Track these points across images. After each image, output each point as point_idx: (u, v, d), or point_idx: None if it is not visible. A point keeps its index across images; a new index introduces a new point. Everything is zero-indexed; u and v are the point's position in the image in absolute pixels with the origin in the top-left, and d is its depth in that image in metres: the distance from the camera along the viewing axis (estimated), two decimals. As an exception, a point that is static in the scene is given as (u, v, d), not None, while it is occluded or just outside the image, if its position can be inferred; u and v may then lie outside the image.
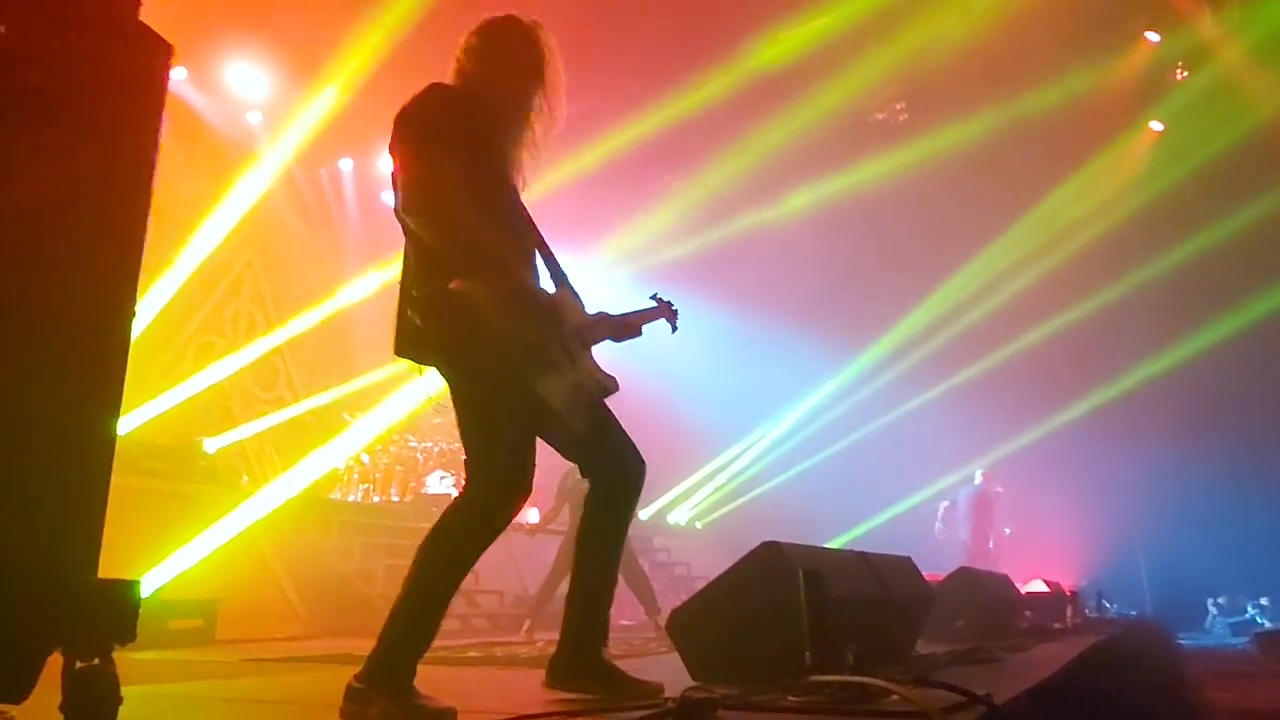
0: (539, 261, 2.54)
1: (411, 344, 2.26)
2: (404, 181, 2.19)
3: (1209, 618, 12.48)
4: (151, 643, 5.07)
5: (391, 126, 2.26)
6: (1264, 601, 11.57)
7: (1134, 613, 11.33)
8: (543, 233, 2.58)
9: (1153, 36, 11.17)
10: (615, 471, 2.51)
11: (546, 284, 2.53)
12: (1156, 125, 12.36)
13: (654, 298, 2.91)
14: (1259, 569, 11.41)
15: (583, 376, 2.38)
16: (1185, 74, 11.70)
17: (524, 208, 2.52)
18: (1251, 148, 11.15)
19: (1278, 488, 10.94)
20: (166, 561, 6.16)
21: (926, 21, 9.92)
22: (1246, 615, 11.63)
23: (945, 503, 12.04)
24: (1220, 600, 12.40)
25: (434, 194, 2.16)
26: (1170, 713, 5.36)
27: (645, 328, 2.81)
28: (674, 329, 2.89)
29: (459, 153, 2.22)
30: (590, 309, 2.60)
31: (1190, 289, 12.11)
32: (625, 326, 2.72)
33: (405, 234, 2.30)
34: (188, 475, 7.53)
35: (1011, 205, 12.66)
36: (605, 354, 2.63)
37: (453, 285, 2.12)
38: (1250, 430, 11.54)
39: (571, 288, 2.56)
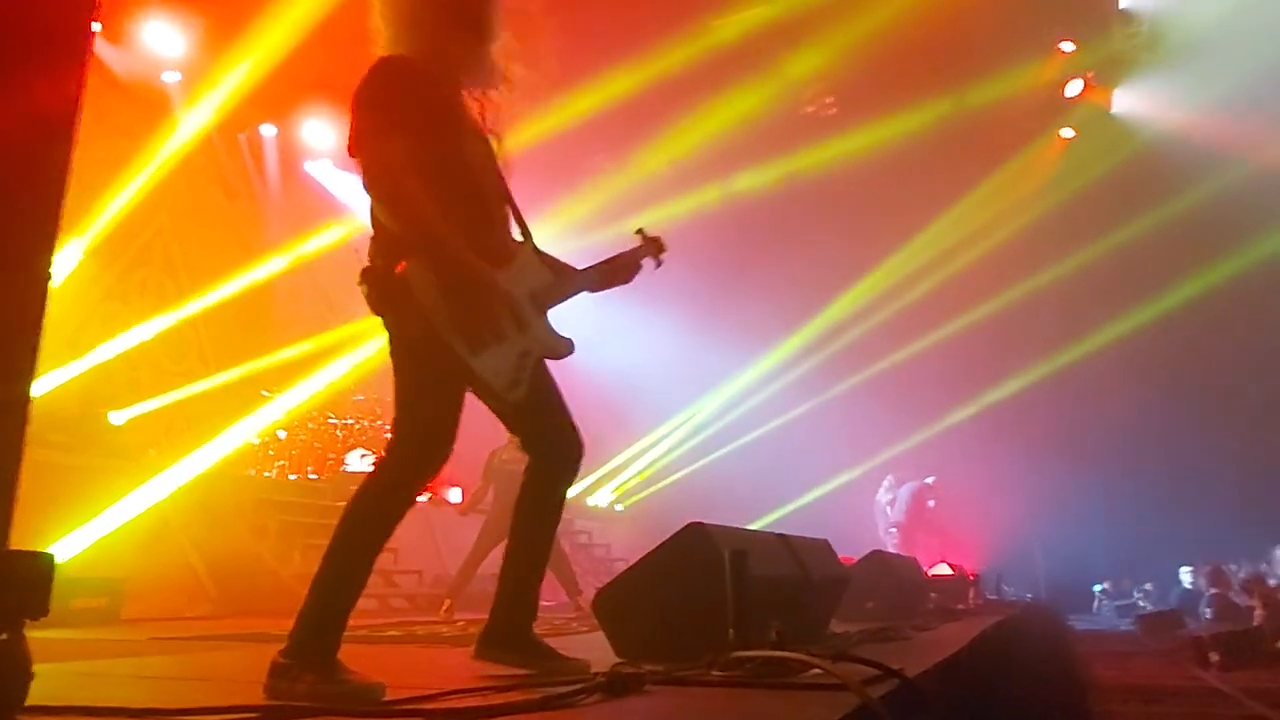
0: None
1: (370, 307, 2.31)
2: (359, 162, 2.21)
3: (1096, 601, 13.27)
4: (52, 622, 4.82)
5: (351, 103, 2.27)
6: (1147, 587, 12.33)
7: (1029, 596, 11.94)
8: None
9: (1067, 46, 11.68)
10: (555, 447, 2.54)
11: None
12: (1067, 132, 12.96)
13: (639, 232, 2.84)
14: (1142, 557, 12.18)
15: (530, 344, 2.39)
16: (1093, 86, 12.26)
17: (492, 163, 2.51)
18: (1155, 156, 11.83)
19: (1160, 484, 11.69)
20: (69, 538, 5.89)
21: (859, 17, 10.12)
22: (1131, 599, 12.38)
23: (888, 480, 12.65)
24: (1107, 585, 13.20)
25: (382, 175, 2.18)
26: (1061, 688, 5.69)
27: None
28: (658, 264, 2.84)
29: (410, 127, 2.22)
30: (556, 266, 2.61)
31: (1086, 292, 12.80)
32: (610, 273, 2.73)
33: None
34: (92, 448, 7.17)
35: (925, 206, 13.12)
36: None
37: (399, 270, 2.15)
38: (1136, 430, 12.29)
39: (535, 248, 2.57)
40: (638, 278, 2.82)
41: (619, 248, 2.83)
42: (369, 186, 2.20)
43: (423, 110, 2.27)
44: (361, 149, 2.21)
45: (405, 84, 2.28)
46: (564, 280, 2.60)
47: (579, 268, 2.69)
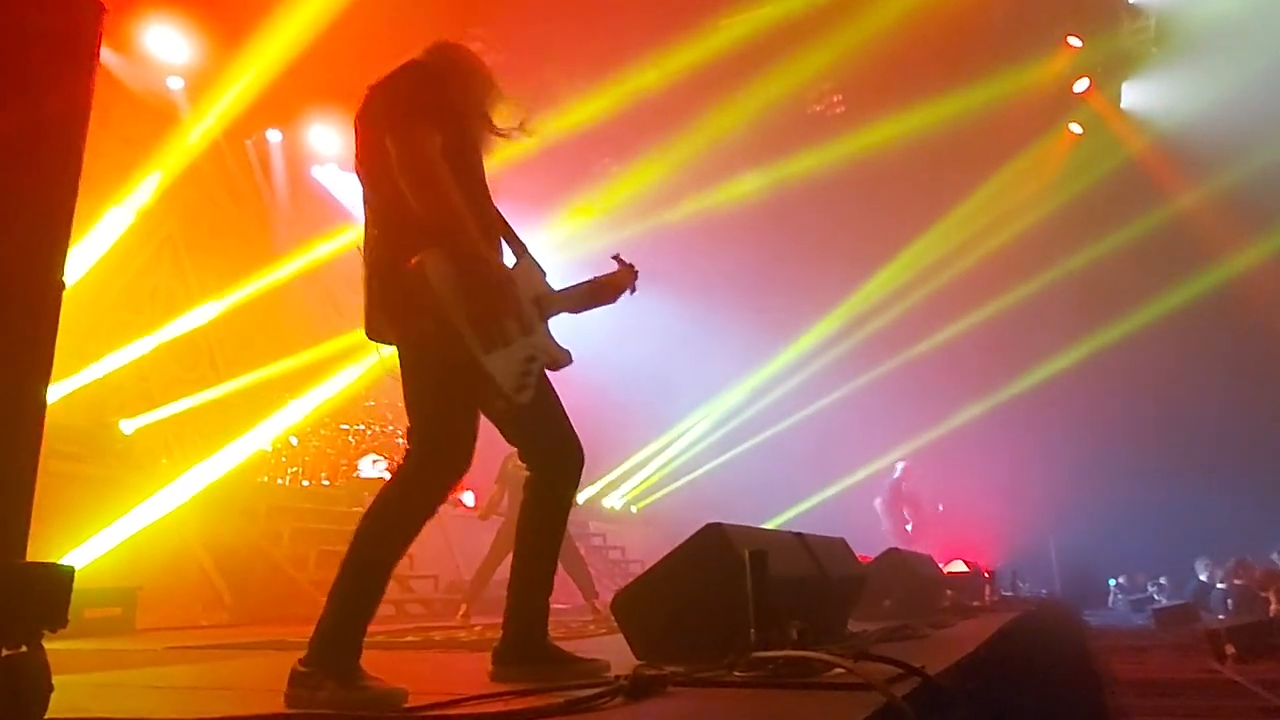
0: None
1: (370, 316, 2.30)
2: (396, 150, 2.20)
3: (1111, 596, 13.20)
4: (65, 632, 4.83)
5: (368, 97, 2.33)
6: (1161, 580, 12.27)
7: (1045, 591, 11.90)
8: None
9: (1075, 42, 11.61)
10: (555, 457, 2.53)
11: (508, 259, 2.55)
12: (1076, 128, 12.88)
13: (616, 258, 2.90)
14: (1156, 551, 12.12)
15: (535, 349, 2.39)
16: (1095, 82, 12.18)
17: (487, 190, 2.55)
18: (1162, 153, 11.76)
19: (1174, 477, 11.62)
20: (82, 548, 5.89)
21: (866, 16, 10.08)
22: (1145, 593, 12.32)
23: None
24: (1121, 580, 13.14)
25: (417, 158, 2.18)
26: (1078, 683, 5.67)
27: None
28: (632, 290, 2.89)
29: (442, 125, 2.26)
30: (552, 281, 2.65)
31: (1098, 287, 12.74)
32: (595, 292, 2.77)
33: (365, 204, 2.36)
34: (104, 458, 7.19)
35: (937, 202, 13.07)
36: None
37: (414, 261, 2.13)
38: (1149, 423, 12.24)
39: (533, 258, 2.58)
40: (656, 281, 2.90)
41: (629, 252, 2.91)
42: (402, 169, 2.18)
43: (452, 116, 2.32)
44: (397, 129, 2.20)
45: (429, 81, 2.34)
46: (556, 294, 2.64)
47: (558, 288, 2.71)
